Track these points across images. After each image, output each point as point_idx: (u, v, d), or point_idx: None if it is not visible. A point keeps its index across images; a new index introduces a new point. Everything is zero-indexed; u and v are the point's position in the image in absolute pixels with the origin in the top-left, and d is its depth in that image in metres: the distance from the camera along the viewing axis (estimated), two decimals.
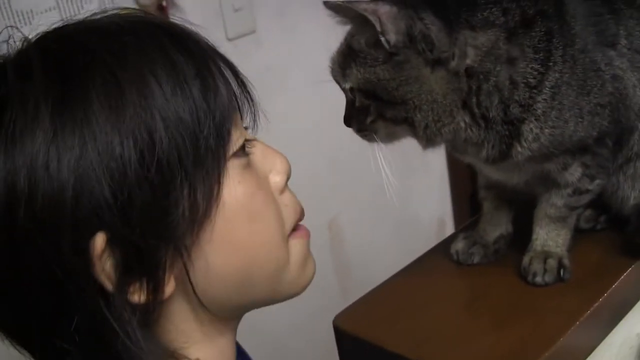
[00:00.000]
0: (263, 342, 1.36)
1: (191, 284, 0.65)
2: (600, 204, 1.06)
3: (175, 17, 1.48)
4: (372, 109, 0.90)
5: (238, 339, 0.78)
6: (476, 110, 0.89)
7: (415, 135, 0.92)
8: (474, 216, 1.16)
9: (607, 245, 1.05)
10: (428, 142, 0.93)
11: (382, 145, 0.93)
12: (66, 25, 0.66)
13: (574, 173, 0.96)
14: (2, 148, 0.58)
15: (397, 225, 2.21)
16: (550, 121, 0.90)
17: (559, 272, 0.99)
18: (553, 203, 1.00)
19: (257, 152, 0.71)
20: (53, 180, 0.58)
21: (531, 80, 0.88)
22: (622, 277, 0.98)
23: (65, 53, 0.62)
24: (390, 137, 0.94)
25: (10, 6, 1.33)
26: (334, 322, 1.03)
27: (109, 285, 0.60)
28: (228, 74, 0.69)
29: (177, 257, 0.63)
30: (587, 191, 0.98)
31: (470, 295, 1.06)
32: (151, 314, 0.64)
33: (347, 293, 2.08)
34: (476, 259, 1.08)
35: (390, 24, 0.83)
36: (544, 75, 0.88)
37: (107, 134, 0.59)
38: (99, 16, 0.67)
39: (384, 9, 0.83)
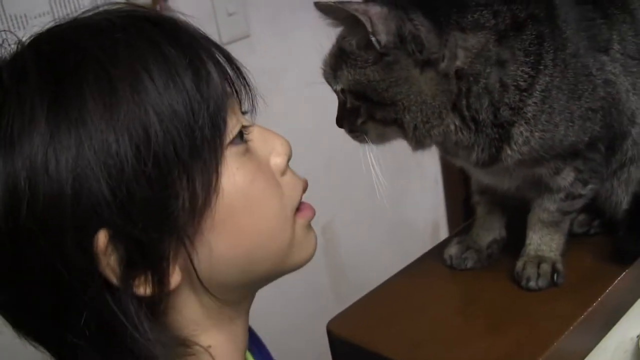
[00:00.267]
0: None
1: (196, 272, 0.66)
2: (594, 208, 1.06)
3: (167, 10, 1.50)
4: (363, 110, 0.91)
5: None
6: (466, 113, 0.89)
7: (404, 136, 0.92)
8: (468, 220, 1.16)
9: (600, 250, 1.05)
10: (417, 143, 0.93)
11: (374, 147, 0.94)
12: (58, 25, 0.67)
13: (567, 178, 0.96)
14: (2, 152, 0.59)
15: (392, 228, 2.21)
16: (540, 124, 0.90)
17: (552, 277, 0.99)
18: (546, 208, 1.00)
19: (256, 137, 0.71)
20: (52, 181, 0.59)
21: (522, 83, 0.88)
22: (616, 281, 0.98)
23: (58, 53, 0.63)
24: (380, 138, 0.94)
25: (4, 10, 1.33)
26: (327, 326, 1.02)
27: (114, 280, 0.61)
28: (222, 60, 0.69)
29: (180, 247, 0.64)
30: (580, 196, 0.98)
31: (464, 299, 1.06)
32: (158, 306, 0.65)
33: (341, 296, 2.08)
34: (469, 264, 1.08)
35: (381, 25, 0.83)
36: (534, 78, 0.88)
37: (102, 132, 0.59)
38: (90, 13, 0.67)
39: (375, 10, 0.83)
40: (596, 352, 0.99)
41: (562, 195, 0.98)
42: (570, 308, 0.95)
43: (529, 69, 0.88)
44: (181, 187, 0.62)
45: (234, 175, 0.66)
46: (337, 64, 0.91)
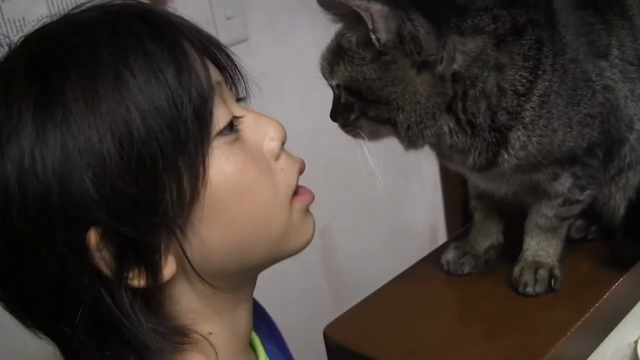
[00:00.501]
0: None
1: (189, 262, 0.66)
2: (592, 214, 1.06)
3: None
4: (356, 107, 0.91)
5: None
6: (462, 116, 0.89)
7: (397, 135, 0.92)
8: (467, 223, 1.16)
9: (598, 255, 1.05)
10: (410, 143, 0.93)
11: (369, 144, 0.94)
12: (48, 23, 0.67)
13: (564, 183, 0.96)
14: None
15: (390, 232, 2.20)
16: (538, 129, 0.90)
17: (549, 283, 0.99)
18: (543, 213, 1.00)
19: (249, 123, 0.71)
20: (40, 182, 0.60)
21: (520, 88, 0.88)
22: (614, 287, 0.98)
23: (45, 54, 0.63)
24: (374, 135, 0.94)
25: (2, 14, 1.32)
26: (324, 331, 1.02)
27: (109, 274, 0.62)
28: (213, 50, 0.70)
29: (171, 238, 0.64)
30: (578, 201, 0.98)
31: (461, 305, 1.06)
32: (153, 297, 0.66)
33: (339, 299, 2.07)
34: (467, 269, 1.08)
35: (381, 23, 0.83)
36: (532, 83, 0.88)
37: (85, 132, 0.60)
38: (81, 9, 0.68)
39: (377, 8, 0.83)
40: (593, 358, 0.99)
41: (559, 201, 0.98)
42: (568, 314, 0.95)
43: (528, 74, 0.88)
44: (168, 181, 0.62)
45: (222, 166, 0.66)
46: (334, 59, 0.91)
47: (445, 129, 0.90)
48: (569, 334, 0.92)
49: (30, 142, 0.60)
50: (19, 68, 0.63)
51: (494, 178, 0.98)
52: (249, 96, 0.75)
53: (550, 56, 0.89)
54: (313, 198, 0.75)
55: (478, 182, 1.04)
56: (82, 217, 0.61)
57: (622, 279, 1.00)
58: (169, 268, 0.65)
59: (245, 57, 1.80)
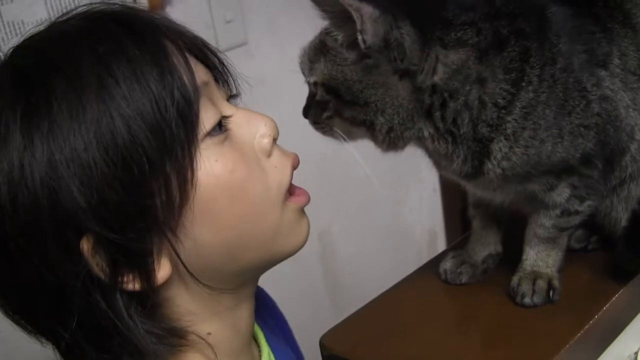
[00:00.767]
0: None
1: (183, 264, 0.67)
2: (592, 224, 1.05)
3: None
4: (331, 105, 0.90)
5: None
6: (440, 125, 0.89)
7: (373, 138, 0.92)
8: (466, 229, 1.15)
9: (598, 267, 1.04)
10: (390, 145, 0.92)
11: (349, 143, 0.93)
12: (34, 34, 0.68)
13: (562, 194, 0.95)
14: None
15: (388, 236, 2.20)
16: (522, 140, 0.89)
17: (548, 294, 0.98)
18: (541, 224, 0.99)
19: (239, 120, 0.71)
20: (30, 193, 0.61)
21: (500, 101, 0.87)
22: (614, 298, 0.97)
23: (30, 66, 0.64)
24: (347, 135, 0.93)
25: (1, 17, 1.32)
26: (320, 340, 1.01)
27: (105, 279, 0.64)
28: (199, 51, 0.70)
29: (164, 241, 0.65)
30: (577, 212, 0.97)
31: (459, 315, 1.05)
32: (149, 300, 0.67)
33: (337, 303, 2.07)
34: (464, 279, 1.07)
35: (370, 25, 0.83)
36: (514, 95, 0.87)
37: (70, 142, 0.61)
38: (65, 17, 0.68)
39: (368, 9, 0.83)
40: None
41: (557, 211, 0.97)
42: (567, 325, 0.94)
43: (509, 86, 0.87)
44: (156, 186, 0.63)
45: (212, 167, 0.66)
46: (315, 56, 0.90)
47: (426, 133, 0.90)
48: (567, 346, 0.90)
49: (19, 153, 0.61)
50: (4, 81, 0.64)
51: (486, 186, 0.97)
52: (240, 93, 0.75)
53: (538, 67, 0.88)
54: (309, 199, 0.75)
55: (472, 190, 1.03)
56: (72, 226, 0.61)
57: (622, 290, 0.98)
58: (163, 271, 0.66)
59: (244, 61, 1.81)
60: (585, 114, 0.91)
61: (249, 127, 0.72)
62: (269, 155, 0.72)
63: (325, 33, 0.90)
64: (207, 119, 0.67)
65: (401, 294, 1.09)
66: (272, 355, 0.83)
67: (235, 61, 0.77)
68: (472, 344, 0.97)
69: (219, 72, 0.74)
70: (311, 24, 0.89)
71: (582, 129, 0.91)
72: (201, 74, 0.69)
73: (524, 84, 0.87)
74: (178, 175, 0.64)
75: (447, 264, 1.09)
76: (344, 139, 0.92)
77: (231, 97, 0.76)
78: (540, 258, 1.00)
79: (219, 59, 0.74)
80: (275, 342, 0.86)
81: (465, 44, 0.86)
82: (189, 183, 0.64)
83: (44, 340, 0.69)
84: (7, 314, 0.68)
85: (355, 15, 0.82)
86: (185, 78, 0.65)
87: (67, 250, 0.62)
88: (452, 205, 2.31)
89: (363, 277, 2.10)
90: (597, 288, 1.00)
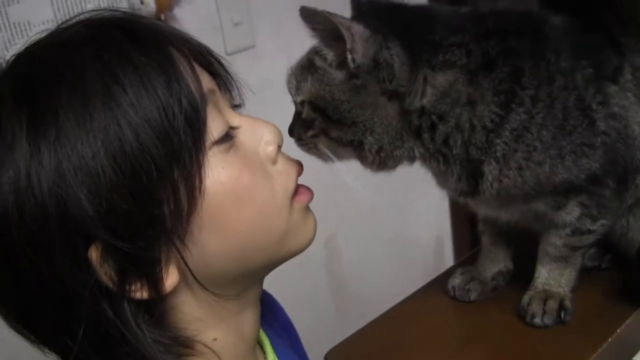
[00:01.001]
0: None
1: (190, 271, 0.66)
2: (605, 242, 1.02)
3: (172, 19, 1.47)
4: (317, 124, 0.89)
5: None
6: (430, 145, 0.88)
7: (361, 158, 0.90)
8: (474, 236, 1.13)
9: (612, 286, 1.01)
10: (380, 165, 0.90)
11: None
12: (36, 42, 0.67)
13: (571, 213, 0.93)
14: None
15: (395, 243, 2.18)
16: (514, 163, 0.87)
17: (559, 314, 0.96)
18: (552, 242, 0.96)
19: (244, 129, 0.70)
20: (37, 202, 0.59)
21: (488, 124, 0.86)
22: (628, 321, 0.95)
23: (33, 75, 0.63)
24: (333, 154, 0.91)
25: (8, 18, 1.31)
26: (326, 357, 1.01)
27: (113, 288, 0.62)
28: (203, 58, 0.70)
29: (171, 249, 0.64)
30: (590, 232, 0.94)
31: (466, 334, 1.03)
32: (157, 308, 0.66)
33: (342, 309, 2.06)
34: (473, 296, 1.05)
35: (360, 44, 0.82)
36: (503, 118, 0.85)
37: (78, 150, 0.60)
38: (69, 24, 0.67)
39: (358, 29, 0.82)
40: None
41: (568, 230, 0.94)
42: (579, 348, 0.92)
43: (498, 109, 0.86)
44: (164, 194, 0.62)
45: (219, 175, 0.65)
46: (302, 75, 0.89)
47: (417, 153, 0.89)
48: None
49: (26, 162, 0.60)
50: (8, 90, 0.63)
51: (488, 205, 0.95)
52: (244, 103, 0.75)
53: (532, 87, 0.86)
54: (312, 196, 0.75)
55: (475, 208, 1.01)
56: (80, 234, 0.60)
57: (636, 312, 0.96)
58: (170, 279, 0.65)
59: (252, 64, 1.79)
60: (589, 133, 0.88)
61: (254, 134, 0.71)
62: (274, 162, 0.72)
63: (314, 52, 0.88)
64: (214, 127, 0.66)
65: (408, 310, 1.07)
66: None
67: (243, 64, 0.76)
68: None
69: (222, 80, 0.74)
70: None
71: (585, 148, 0.88)
72: (207, 81, 0.68)
73: (513, 105, 0.85)
74: (186, 183, 0.63)
75: (455, 280, 1.07)
76: (331, 158, 0.91)
77: (235, 106, 0.75)
78: (553, 277, 0.98)
79: (223, 66, 0.73)
80: (281, 346, 0.85)
81: (453, 65, 0.85)
82: (196, 190, 0.64)
83: (46, 350, 0.68)
84: (10, 323, 0.66)
85: (346, 34, 0.81)
86: (192, 85, 0.65)
87: (75, 259, 0.61)
88: (460, 213, 2.29)
89: (368, 283, 2.09)
90: (610, 309, 0.98)
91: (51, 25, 0.68)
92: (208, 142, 0.65)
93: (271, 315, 0.88)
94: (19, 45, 1.33)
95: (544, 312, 0.96)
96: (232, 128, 0.69)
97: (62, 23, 0.68)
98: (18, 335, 0.67)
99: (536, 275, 0.99)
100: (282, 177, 0.71)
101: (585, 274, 1.02)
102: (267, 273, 0.75)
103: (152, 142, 0.61)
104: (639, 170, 0.94)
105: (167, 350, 0.66)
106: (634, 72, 0.92)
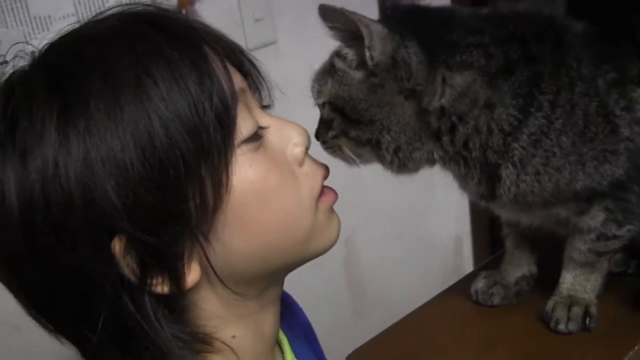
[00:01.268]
0: None
1: (213, 269, 0.66)
2: (632, 247, 1.00)
3: (193, 14, 1.47)
4: (336, 124, 0.89)
5: None
6: (449, 148, 0.87)
7: (380, 158, 0.90)
8: (492, 236, 1.11)
9: (638, 293, 0.99)
10: (400, 167, 0.90)
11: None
12: (68, 33, 0.67)
13: (596, 218, 0.91)
14: (17, 164, 0.60)
15: (414, 242, 2.17)
16: (531, 168, 0.86)
17: (584, 321, 0.94)
18: (577, 247, 0.95)
19: (273, 129, 0.70)
20: (64, 191, 0.60)
21: (505, 127, 0.85)
22: None
23: (65, 64, 0.63)
24: (356, 156, 0.91)
25: (28, 11, 1.31)
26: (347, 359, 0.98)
27: (134, 281, 0.63)
28: (235, 57, 0.70)
29: (195, 246, 0.64)
30: (616, 237, 0.93)
31: (489, 340, 1.01)
32: (177, 303, 0.66)
33: (360, 312, 2.05)
34: (496, 300, 1.04)
35: (378, 42, 0.82)
36: (521, 121, 0.84)
37: (107, 141, 0.60)
38: (101, 17, 0.68)
39: (377, 27, 0.82)
40: None
41: (592, 236, 0.93)
42: (603, 356, 0.91)
43: (516, 112, 0.84)
44: (191, 189, 0.62)
45: (246, 173, 0.66)
46: (323, 78, 0.90)
47: (436, 155, 0.89)
48: None
49: (54, 151, 0.60)
50: (40, 79, 0.63)
51: (508, 209, 0.94)
52: (274, 104, 0.75)
53: (551, 92, 0.85)
54: (337, 197, 0.74)
55: (496, 211, 0.99)
56: (105, 226, 0.60)
57: None
58: (192, 275, 0.65)
59: (273, 60, 1.78)
60: (612, 139, 0.86)
61: (282, 135, 0.71)
62: (301, 164, 0.72)
63: (335, 55, 0.89)
64: (244, 126, 0.66)
65: (429, 314, 1.06)
66: None
67: (264, 60, 0.75)
68: None
69: (252, 80, 0.73)
70: None
71: (608, 154, 0.87)
72: (238, 80, 0.68)
73: (532, 109, 0.84)
74: (213, 179, 0.63)
75: (478, 284, 1.05)
76: (355, 161, 0.91)
77: (264, 107, 0.75)
78: (578, 282, 0.96)
79: (255, 66, 0.73)
80: (300, 346, 0.85)
81: (470, 66, 0.84)
82: (223, 187, 0.64)
83: (63, 340, 0.68)
84: (30, 312, 0.67)
85: (364, 31, 0.81)
86: (223, 83, 0.65)
87: (98, 250, 0.61)
88: (479, 212, 2.27)
89: (387, 283, 2.08)
90: (636, 316, 0.96)
91: (72, 20, 0.68)
92: (237, 140, 0.65)
93: (290, 316, 0.88)
94: (39, 38, 1.33)
95: (569, 319, 0.94)
96: (261, 128, 0.69)
97: (95, 16, 0.68)
98: (37, 324, 0.67)
99: (561, 280, 0.98)
100: (309, 179, 0.71)
101: (610, 280, 1.00)
102: (288, 273, 0.75)
103: (181, 137, 0.61)
104: None
105: (186, 345, 0.66)
106: None
